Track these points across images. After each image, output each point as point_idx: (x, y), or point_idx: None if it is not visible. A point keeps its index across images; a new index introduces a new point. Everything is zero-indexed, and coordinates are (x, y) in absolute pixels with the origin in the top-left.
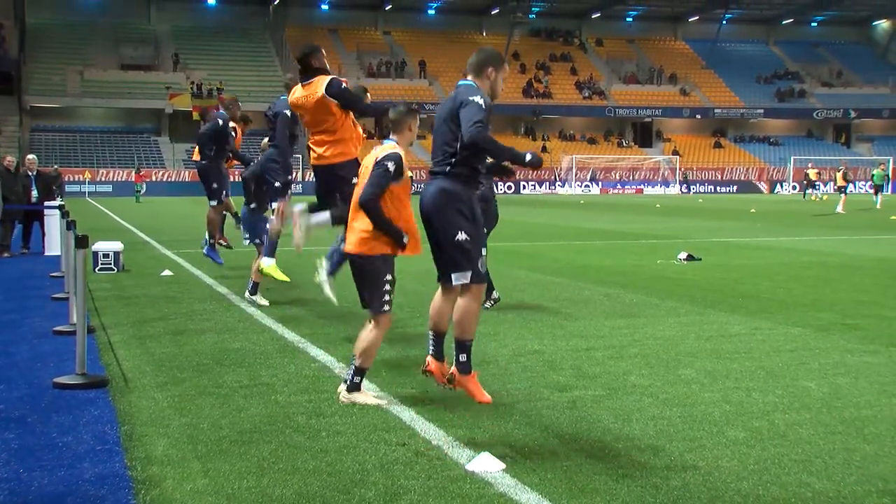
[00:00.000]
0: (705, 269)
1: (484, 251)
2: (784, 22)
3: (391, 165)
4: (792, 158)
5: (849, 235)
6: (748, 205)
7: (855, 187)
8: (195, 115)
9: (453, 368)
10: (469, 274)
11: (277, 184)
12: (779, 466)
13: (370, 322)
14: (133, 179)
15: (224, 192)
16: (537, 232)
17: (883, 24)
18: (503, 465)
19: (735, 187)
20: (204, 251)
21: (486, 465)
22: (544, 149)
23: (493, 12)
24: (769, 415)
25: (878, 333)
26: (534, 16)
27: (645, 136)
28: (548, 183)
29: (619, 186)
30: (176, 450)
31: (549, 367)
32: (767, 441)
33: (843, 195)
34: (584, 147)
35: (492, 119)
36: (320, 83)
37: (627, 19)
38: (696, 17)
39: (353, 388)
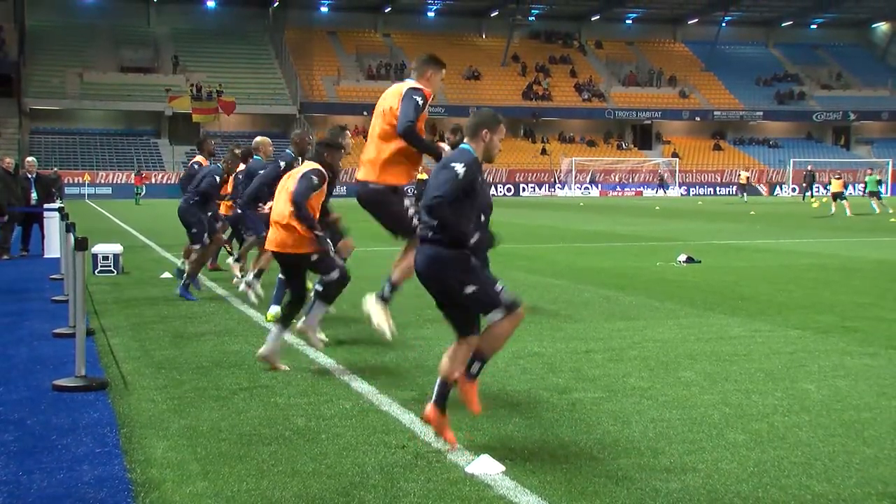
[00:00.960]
0: (705, 271)
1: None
2: (783, 24)
3: (419, 99)
4: (791, 161)
5: (848, 238)
6: (747, 207)
7: (854, 190)
8: (195, 118)
9: (459, 373)
10: (500, 309)
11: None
12: (778, 469)
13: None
14: (133, 182)
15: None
16: (537, 234)
17: (882, 27)
18: (503, 468)
19: (734, 189)
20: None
21: (486, 467)
22: (544, 151)
23: (492, 14)
24: (769, 417)
25: (877, 336)
26: (533, 18)
27: (644, 138)
28: (547, 185)
29: (618, 189)
30: (175, 452)
31: (549, 369)
32: (767, 444)
33: (844, 202)
34: (584, 149)
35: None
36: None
37: (627, 21)
38: (696, 20)
39: (382, 299)
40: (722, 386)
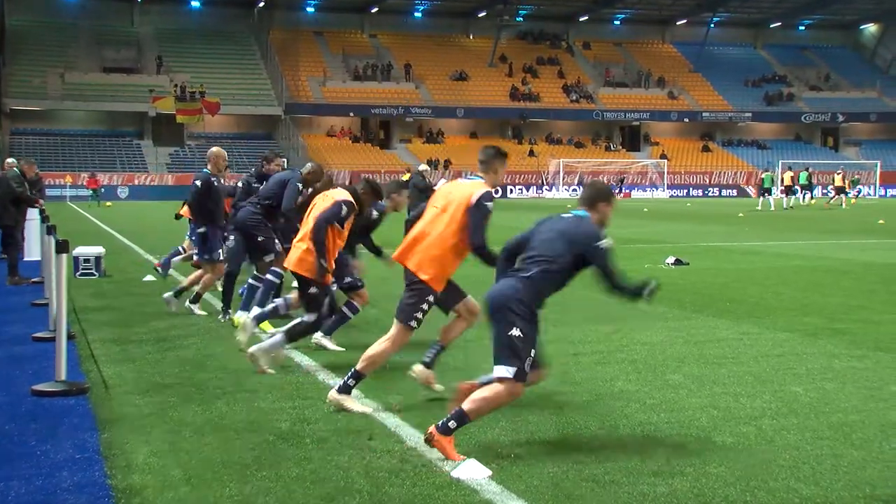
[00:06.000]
0: (693, 273)
1: (533, 352)
2: (772, 25)
3: (490, 205)
4: (780, 162)
5: (836, 240)
6: (736, 209)
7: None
8: (179, 119)
9: (432, 428)
10: (514, 370)
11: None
12: (766, 472)
13: (392, 333)
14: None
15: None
16: None
17: (870, 28)
18: (489, 472)
19: (723, 191)
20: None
21: (472, 471)
22: (531, 152)
23: (479, 15)
24: (757, 420)
25: (865, 338)
26: (521, 19)
27: (633, 139)
28: (535, 187)
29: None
30: (157, 458)
31: None
32: (755, 447)
33: (843, 196)
34: (572, 151)
35: None
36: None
37: (615, 22)
38: (684, 21)
39: (345, 390)
40: (710, 389)
